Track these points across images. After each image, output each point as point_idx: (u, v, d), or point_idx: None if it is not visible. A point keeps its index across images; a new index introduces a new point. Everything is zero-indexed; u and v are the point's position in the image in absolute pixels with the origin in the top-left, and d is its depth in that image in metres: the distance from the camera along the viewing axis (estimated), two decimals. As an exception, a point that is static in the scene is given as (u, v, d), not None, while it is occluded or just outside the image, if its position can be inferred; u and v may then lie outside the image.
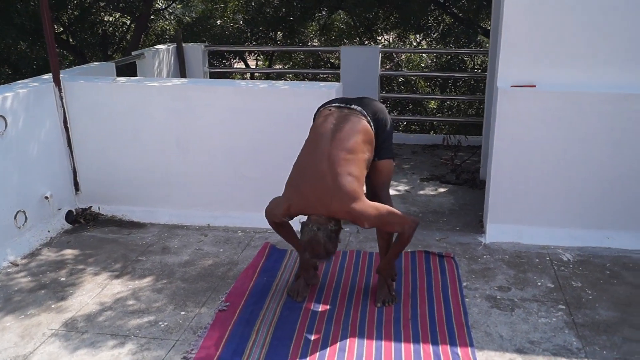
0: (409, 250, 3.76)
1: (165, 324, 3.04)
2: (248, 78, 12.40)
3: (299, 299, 3.21)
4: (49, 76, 4.32)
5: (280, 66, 12.89)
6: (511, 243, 3.85)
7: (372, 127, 2.98)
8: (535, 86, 3.73)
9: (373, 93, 6.03)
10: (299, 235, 3.06)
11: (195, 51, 6.46)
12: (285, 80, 11.82)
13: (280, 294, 3.30)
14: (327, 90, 3.88)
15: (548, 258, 3.67)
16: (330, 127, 2.93)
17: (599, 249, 3.77)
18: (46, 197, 4.19)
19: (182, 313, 3.14)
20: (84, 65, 5.22)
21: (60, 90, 4.26)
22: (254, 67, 12.71)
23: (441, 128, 10.02)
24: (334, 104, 3.09)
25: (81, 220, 4.40)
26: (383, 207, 2.84)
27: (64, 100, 4.28)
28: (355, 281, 3.41)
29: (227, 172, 4.20)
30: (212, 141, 4.17)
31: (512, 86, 3.74)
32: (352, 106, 3.02)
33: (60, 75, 4.30)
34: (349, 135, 2.88)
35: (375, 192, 3.11)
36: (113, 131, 4.29)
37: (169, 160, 4.27)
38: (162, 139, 4.23)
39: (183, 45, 6.40)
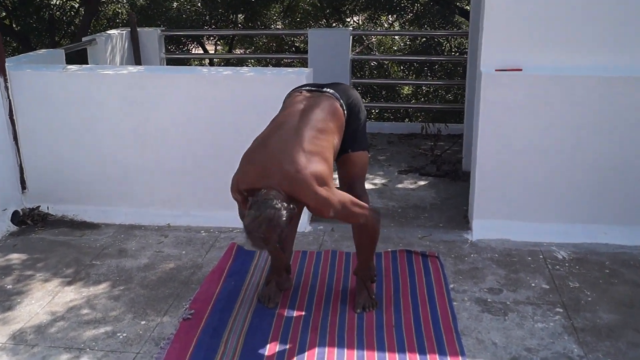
0: (390, 249, 3.69)
1: (124, 334, 2.94)
2: (207, 64, 12.24)
3: (270, 304, 3.11)
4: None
5: (242, 51, 12.74)
6: (500, 240, 3.80)
7: (345, 113, 2.90)
8: (521, 70, 3.68)
9: (344, 79, 5.95)
10: None
11: (151, 36, 6.30)
12: (247, 66, 11.69)
13: (250, 299, 3.20)
14: (297, 77, 3.80)
15: (541, 256, 3.63)
16: (300, 107, 2.85)
17: (596, 245, 3.73)
18: (-13, 197, 4.02)
19: (143, 322, 3.04)
20: (31, 53, 5.06)
21: (5, 79, 4.11)
22: (213, 52, 12.53)
23: (417, 116, 10.00)
24: (305, 88, 3.01)
25: (28, 221, 4.26)
26: (346, 195, 2.74)
27: (9, 91, 4.14)
28: (332, 284, 3.33)
29: (189, 166, 4.10)
30: (172, 133, 4.06)
31: (496, 70, 3.69)
32: (325, 89, 2.95)
33: (5, 64, 4.14)
34: (320, 115, 2.79)
35: (350, 186, 3.02)
36: (64, 124, 4.16)
37: (125, 155, 4.16)
38: (117, 131, 4.11)
39: (137, 30, 6.23)
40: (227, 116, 3.94)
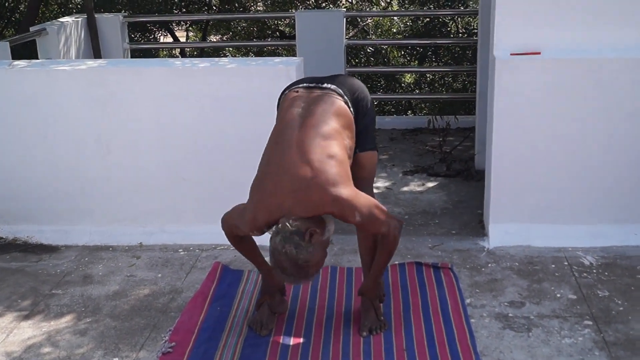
0: (397, 262, 3.74)
1: (95, 375, 2.96)
2: (178, 55, 12.25)
3: (263, 332, 3.15)
4: None
5: (217, 38, 12.77)
6: (520, 247, 3.87)
7: (352, 110, 2.95)
8: (540, 53, 3.75)
9: (338, 67, 5.99)
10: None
11: (112, 23, 6.32)
12: (225, 55, 11.70)
13: (240, 327, 3.23)
14: (286, 68, 3.83)
15: (566, 263, 3.69)
16: (298, 111, 2.88)
17: (627, 248, 3.81)
18: None
19: (115, 360, 3.06)
20: (-32, 48, 5.08)
21: (-59, 78, 4.11)
22: (185, 40, 12.55)
23: (421, 107, 10.08)
24: (301, 85, 3.04)
25: (-26, 246, 4.25)
26: (371, 199, 2.82)
27: (-53, 93, 4.13)
28: (333, 305, 3.37)
29: (163, 175, 4.12)
30: (142, 137, 4.08)
31: (512, 54, 3.75)
32: (325, 85, 2.98)
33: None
34: (322, 119, 2.83)
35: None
36: (12, 130, 4.16)
37: (87, 164, 4.16)
38: (77, 137, 4.12)
39: (95, 16, 6.25)
40: (206, 115, 3.96)
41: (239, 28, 12.15)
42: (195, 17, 10.29)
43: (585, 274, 3.56)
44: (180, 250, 4.07)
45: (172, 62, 4.18)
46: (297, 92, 2.99)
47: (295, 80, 3.18)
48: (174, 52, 12.40)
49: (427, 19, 9.32)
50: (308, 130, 2.79)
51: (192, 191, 4.10)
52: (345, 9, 6.31)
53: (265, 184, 2.77)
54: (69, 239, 4.25)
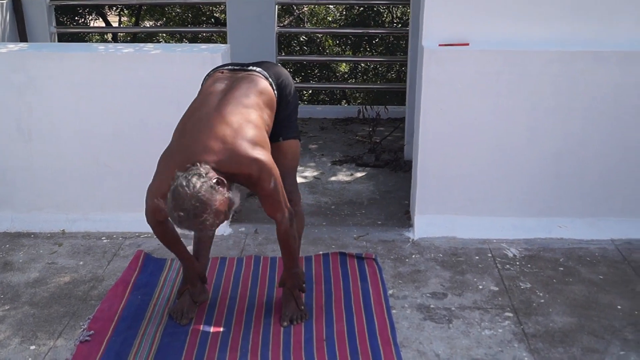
0: (321, 252, 3.74)
1: (11, 363, 2.90)
2: (110, 40, 11.99)
3: (183, 321, 3.11)
4: None
5: (151, 23, 12.55)
6: (445, 238, 3.91)
7: (275, 94, 2.93)
8: (468, 44, 3.78)
9: (269, 56, 5.96)
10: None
11: (38, 6, 6.11)
12: (159, 42, 11.51)
13: (160, 315, 3.19)
14: (211, 55, 3.79)
15: (490, 254, 3.74)
16: (221, 87, 2.87)
17: (550, 240, 3.88)
18: None
19: (32, 347, 2.99)
20: None
21: None
22: (117, 25, 12.27)
23: (355, 97, 10.11)
24: (227, 67, 3.03)
25: None
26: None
27: None
28: (255, 295, 3.35)
29: (85, 163, 4.05)
30: (64, 124, 3.99)
31: (440, 45, 3.77)
32: (250, 67, 2.97)
33: None
34: (244, 93, 2.82)
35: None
36: None
37: (8, 151, 4.06)
38: (-3, 122, 4.01)
39: (21, -2, 6.05)
40: (128, 102, 3.90)
41: (174, 14, 11.96)
42: (127, 1, 10.00)
43: (508, 266, 3.62)
44: (103, 238, 4.00)
45: (95, 47, 4.07)
46: (222, 72, 2.98)
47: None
48: (105, 37, 12.14)
49: (362, 8, 9.31)
50: (229, 99, 2.77)
51: (115, 179, 4.03)
52: (277, -4, 6.24)
53: (177, 153, 2.67)
54: (-11, 225, 4.15)
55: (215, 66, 3.14)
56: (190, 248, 3.28)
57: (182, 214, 2.46)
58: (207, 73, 3.10)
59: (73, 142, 4.01)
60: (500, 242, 3.87)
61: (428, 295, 3.35)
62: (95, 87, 3.91)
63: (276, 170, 2.71)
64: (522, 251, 3.77)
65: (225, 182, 2.55)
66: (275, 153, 2.95)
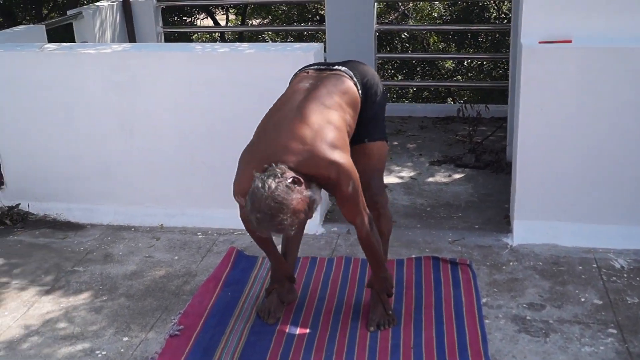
0: (414, 256, 3.65)
1: (104, 352, 2.98)
2: (218, 39, 12.22)
3: (270, 320, 3.11)
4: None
5: (257, 22, 12.71)
6: (546, 245, 3.72)
7: (360, 93, 2.87)
8: (571, 41, 3.58)
9: (368, 53, 5.91)
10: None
11: (146, 7, 6.33)
12: (265, 40, 11.64)
13: (248, 313, 3.20)
14: (304, 54, 3.77)
15: (595, 265, 3.53)
16: (305, 86, 2.84)
17: (664, 251, 3.62)
18: (-43, 195, 4.10)
19: (125, 339, 3.07)
20: (7, 30, 5.17)
21: (-25, 62, 4.18)
22: (225, 24, 12.49)
23: (461, 95, 9.88)
24: (312, 67, 3.01)
25: (7, 221, 4.34)
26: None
27: (-20, 75, 4.21)
28: (344, 297, 3.30)
29: (183, 159, 4.13)
30: (163, 121, 4.08)
31: (540, 42, 3.60)
32: (336, 67, 2.93)
33: (-29, 43, 4.20)
34: (327, 93, 2.77)
35: (365, 182, 2.96)
36: (42, 111, 4.22)
37: (111, 146, 4.20)
38: (101, 119, 4.16)
39: (131, 0, 6.26)
40: (224, 101, 3.94)
41: (279, 12, 12.04)
42: (230, 1, 10.09)
43: (614, 278, 3.40)
44: (198, 234, 4.06)
45: (192, 47, 4.15)
46: (308, 72, 2.95)
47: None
48: (214, 35, 12.36)
49: (467, 3, 9.05)
50: (311, 99, 2.74)
51: (211, 175, 4.08)
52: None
53: (258, 151, 2.66)
54: (94, 217, 4.31)
55: (304, 65, 3.10)
56: (280, 247, 3.26)
57: (259, 215, 2.44)
58: (295, 72, 3.07)
59: (171, 138, 4.09)
60: (606, 251, 3.64)
61: (524, 305, 3.19)
62: (192, 86, 3.97)
63: (355, 174, 2.64)
64: (630, 262, 3.53)
65: (303, 180, 2.51)
66: (360, 155, 2.91)
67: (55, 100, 4.16)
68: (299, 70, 3.06)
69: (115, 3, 6.19)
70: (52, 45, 4.29)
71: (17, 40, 4.67)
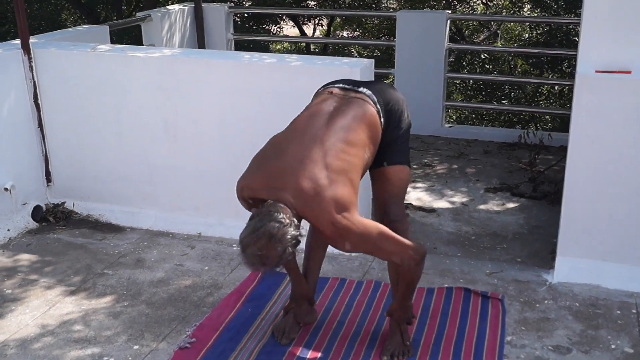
0: (446, 285, 3.53)
1: (111, 359, 2.99)
2: (304, 50, 12.25)
3: (283, 340, 3.07)
4: (18, 41, 4.35)
5: (347, 34, 12.72)
6: (587, 286, 3.54)
7: (382, 120, 2.79)
8: (630, 72, 3.40)
9: (437, 73, 5.81)
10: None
11: (217, 13, 6.40)
12: (351, 53, 11.61)
13: (264, 331, 3.17)
14: (350, 69, 3.71)
15: (635, 311, 3.33)
16: (327, 109, 2.77)
17: None
18: (6, 189, 4.22)
19: (136, 347, 3.09)
20: (70, 29, 5.27)
21: (30, 59, 4.31)
22: (312, 33, 12.57)
23: (544, 121, 9.59)
24: (338, 85, 2.93)
25: (50, 218, 4.45)
26: (374, 226, 2.63)
27: (34, 72, 4.33)
28: (364, 322, 3.23)
29: (225, 168, 4.10)
30: (206, 128, 4.10)
31: (596, 71, 3.43)
32: (361, 89, 2.84)
33: (31, 41, 4.33)
34: (351, 123, 2.70)
35: (384, 207, 2.90)
36: (91, 111, 4.32)
37: (156, 150, 4.25)
38: (147, 123, 4.22)
39: (202, 5, 6.34)
40: (268, 111, 3.92)
41: (370, 25, 11.98)
42: (298, 12, 9.99)
43: (654, 326, 3.21)
44: (234, 245, 4.05)
45: (240, 55, 4.16)
46: (332, 92, 2.88)
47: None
48: (301, 45, 12.39)
49: (548, 27, 8.77)
50: (335, 129, 2.67)
51: (250, 187, 4.05)
52: (449, 12, 6.01)
53: (273, 165, 2.64)
54: (135, 221, 4.36)
55: (329, 82, 3.03)
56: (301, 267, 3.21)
57: (249, 252, 2.49)
58: (319, 88, 3.01)
59: (213, 146, 4.11)
60: (651, 297, 3.44)
61: (550, 348, 3.04)
62: (237, 94, 3.98)
63: (358, 231, 2.55)
64: (676, 311, 3.32)
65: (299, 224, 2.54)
66: (378, 179, 2.88)
67: (104, 101, 4.25)
68: (323, 86, 3.00)
69: (186, 7, 6.27)
70: (105, 47, 4.37)
71: (80, 40, 4.78)
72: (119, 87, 4.19)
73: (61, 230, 4.30)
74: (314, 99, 2.96)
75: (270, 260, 2.46)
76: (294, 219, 2.50)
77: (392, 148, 2.86)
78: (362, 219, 2.60)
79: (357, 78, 3.61)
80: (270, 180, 2.59)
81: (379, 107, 2.80)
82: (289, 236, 2.45)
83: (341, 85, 2.92)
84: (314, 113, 2.79)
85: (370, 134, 2.74)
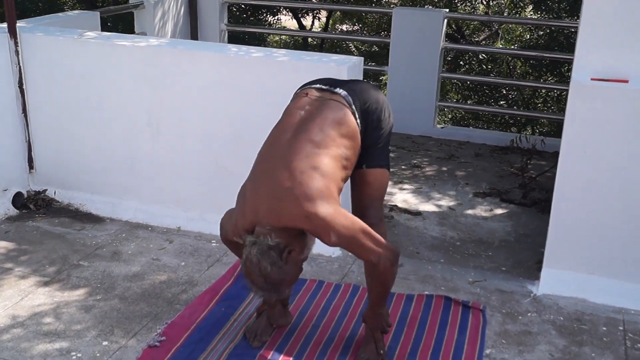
0: (426, 292, 3.44)
1: (79, 355, 2.93)
2: (290, 42, 12.11)
3: (255, 343, 2.99)
4: (4, 25, 4.27)
5: (346, 27, 12.61)
6: (573, 299, 3.45)
7: (358, 122, 2.70)
8: (627, 81, 3.32)
9: (432, 72, 5.73)
10: None
11: (211, 3, 6.30)
12: (349, 48, 11.51)
13: (236, 332, 3.09)
14: (337, 67, 3.62)
15: (621, 328, 3.25)
16: (299, 114, 2.71)
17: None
18: (-16, 174, 4.15)
19: (105, 343, 3.02)
20: (61, 14, 5.20)
21: (16, 43, 4.23)
22: (310, 25, 12.47)
23: (542, 124, 9.51)
24: (314, 85, 2.85)
25: (31, 206, 4.39)
26: (358, 222, 2.57)
27: (19, 56, 4.25)
28: (339, 327, 3.15)
29: (206, 162, 4.06)
30: (189, 121, 4.03)
31: (592, 79, 3.34)
32: (337, 90, 2.76)
33: (18, 25, 4.25)
34: (319, 126, 2.64)
35: (362, 210, 2.83)
36: (74, 99, 4.25)
37: (138, 141, 4.18)
38: (130, 113, 4.14)
39: (197, -7, 6.25)
40: (251, 107, 3.84)
41: (371, 19, 11.86)
42: (294, 4, 9.88)
43: (639, 345, 3.12)
44: (213, 241, 3.98)
45: (227, 48, 4.08)
46: (307, 94, 2.81)
47: (318, 78, 2.96)
48: (298, 37, 12.26)
49: (549, 30, 8.66)
50: (300, 136, 2.62)
51: (232, 182, 3.87)
52: (447, 10, 5.91)
53: (247, 188, 2.68)
54: (115, 212, 4.30)
55: (307, 82, 2.96)
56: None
57: (256, 290, 2.56)
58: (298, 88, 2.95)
59: (196, 139, 4.03)
60: (638, 314, 3.35)
61: (529, 364, 2.95)
62: (221, 88, 3.90)
63: (339, 221, 2.50)
64: (662, 329, 3.24)
65: (296, 248, 2.55)
66: (357, 181, 2.82)
67: (89, 89, 4.17)
68: (301, 87, 2.93)
69: (180, -5, 6.18)
70: (92, 34, 4.28)
71: (70, 26, 4.67)
72: (103, 75, 4.11)
73: (40, 219, 4.23)
74: (291, 102, 2.89)
75: (270, 285, 2.54)
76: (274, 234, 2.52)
77: (371, 150, 2.78)
78: (347, 212, 2.58)
79: (345, 76, 3.52)
80: (253, 208, 2.60)
81: (354, 109, 2.72)
82: (276, 258, 2.49)
83: (318, 85, 2.84)
84: (285, 123, 2.73)
85: (344, 131, 2.67)
